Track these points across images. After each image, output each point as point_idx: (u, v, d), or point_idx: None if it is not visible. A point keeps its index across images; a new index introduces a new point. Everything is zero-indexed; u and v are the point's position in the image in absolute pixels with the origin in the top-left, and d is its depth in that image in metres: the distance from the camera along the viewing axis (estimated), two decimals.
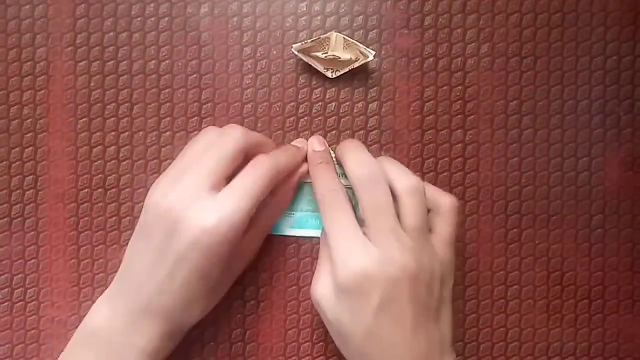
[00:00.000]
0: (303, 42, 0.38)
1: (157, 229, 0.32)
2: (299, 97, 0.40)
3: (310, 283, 0.39)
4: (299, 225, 0.39)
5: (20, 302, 0.39)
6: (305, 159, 0.38)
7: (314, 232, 0.39)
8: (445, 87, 0.40)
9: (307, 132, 0.40)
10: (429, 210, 0.35)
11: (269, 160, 0.34)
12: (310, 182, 0.37)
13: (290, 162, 0.36)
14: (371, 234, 0.32)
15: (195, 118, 0.40)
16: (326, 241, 0.34)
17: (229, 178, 0.33)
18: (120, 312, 0.33)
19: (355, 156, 0.34)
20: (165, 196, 0.32)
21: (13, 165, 0.39)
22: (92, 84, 0.40)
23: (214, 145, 0.33)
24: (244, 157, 0.34)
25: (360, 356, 0.33)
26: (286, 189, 0.37)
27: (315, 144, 0.37)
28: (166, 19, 0.40)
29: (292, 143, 0.38)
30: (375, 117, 0.40)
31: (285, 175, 0.36)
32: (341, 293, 0.32)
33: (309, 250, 0.39)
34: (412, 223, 0.33)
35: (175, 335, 0.35)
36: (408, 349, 0.32)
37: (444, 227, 0.34)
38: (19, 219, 0.39)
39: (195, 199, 0.32)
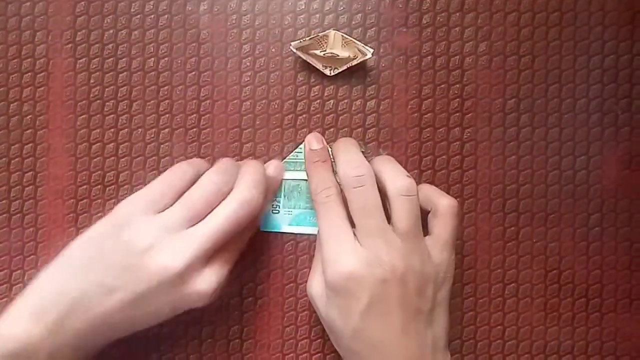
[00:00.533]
0: (301, 40, 0.38)
1: (125, 254, 0.33)
2: (298, 94, 0.40)
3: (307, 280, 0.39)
4: (296, 222, 0.39)
5: None
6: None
7: (312, 230, 0.39)
8: (443, 85, 0.40)
9: (305, 129, 0.40)
10: (428, 211, 0.35)
11: (239, 198, 0.34)
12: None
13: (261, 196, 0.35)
14: (360, 235, 0.33)
15: (194, 115, 0.40)
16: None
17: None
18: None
19: (345, 157, 0.34)
20: (130, 225, 0.33)
21: (12, 161, 0.40)
22: (91, 81, 0.40)
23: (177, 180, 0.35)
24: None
25: (351, 353, 0.33)
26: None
27: (312, 143, 0.37)
28: (165, 16, 0.40)
29: (266, 165, 0.38)
30: (374, 114, 0.40)
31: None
32: (331, 293, 0.33)
33: (307, 248, 0.40)
34: (403, 225, 0.33)
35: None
36: (397, 350, 0.32)
37: (442, 229, 0.34)
38: (18, 215, 0.40)
39: (162, 236, 0.32)
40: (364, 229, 0.33)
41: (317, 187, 0.35)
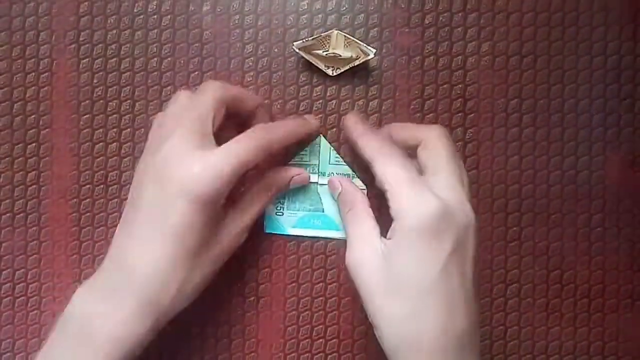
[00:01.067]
0: (304, 40, 0.38)
1: (146, 192, 0.32)
2: (300, 94, 0.40)
3: (311, 280, 0.39)
4: (301, 225, 0.39)
5: (22, 297, 0.40)
6: (307, 137, 0.38)
7: (316, 232, 0.39)
8: (445, 86, 0.40)
9: None
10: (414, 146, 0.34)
11: (262, 132, 0.33)
12: (314, 182, 0.39)
13: (287, 137, 0.35)
14: (436, 184, 0.32)
15: None
16: (360, 209, 0.34)
17: (215, 135, 0.33)
18: (95, 294, 0.32)
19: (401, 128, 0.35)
20: (152, 161, 0.32)
21: (16, 161, 0.40)
22: (94, 81, 0.40)
23: (190, 105, 0.33)
24: (228, 112, 0.34)
25: (416, 313, 0.30)
26: (276, 176, 0.37)
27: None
28: (168, 16, 0.40)
29: (304, 117, 0.38)
30: (376, 115, 0.40)
31: (280, 155, 0.36)
32: (412, 239, 0.30)
33: (309, 248, 0.40)
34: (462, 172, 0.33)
35: (149, 316, 0.31)
36: (467, 305, 0.31)
37: (447, 167, 0.33)
38: (22, 214, 0.40)
39: (182, 157, 0.31)
40: (451, 174, 0.32)
41: (375, 142, 0.34)
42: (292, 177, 0.38)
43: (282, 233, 0.39)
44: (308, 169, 0.39)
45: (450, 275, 0.30)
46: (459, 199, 0.31)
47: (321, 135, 0.39)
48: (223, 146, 0.32)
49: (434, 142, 0.33)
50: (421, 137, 0.33)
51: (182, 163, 0.31)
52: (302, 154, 0.39)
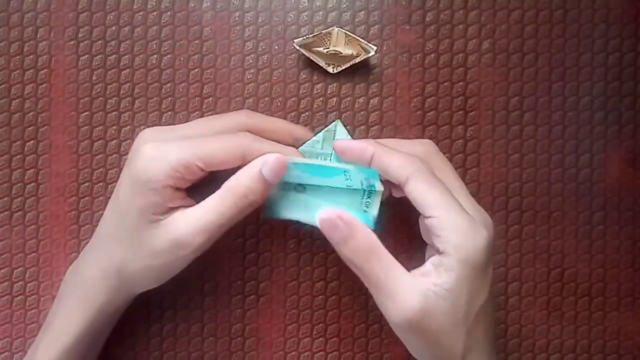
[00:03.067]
0: (305, 37, 0.38)
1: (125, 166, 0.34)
2: (301, 92, 0.40)
3: (311, 278, 0.39)
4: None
5: (20, 296, 0.39)
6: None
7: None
8: (446, 83, 0.40)
9: (308, 127, 0.39)
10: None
11: (248, 135, 0.33)
12: None
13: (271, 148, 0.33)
14: (465, 201, 0.32)
15: (197, 113, 0.40)
16: (382, 253, 0.30)
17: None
18: (82, 257, 0.36)
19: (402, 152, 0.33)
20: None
21: (14, 158, 0.39)
22: (94, 78, 0.40)
23: (214, 119, 0.34)
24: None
25: (462, 340, 0.30)
26: (241, 173, 0.33)
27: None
28: (168, 13, 0.40)
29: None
30: (377, 112, 0.40)
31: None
32: (470, 275, 0.30)
33: (310, 245, 0.39)
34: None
35: (112, 280, 0.33)
36: (489, 323, 0.32)
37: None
38: (20, 212, 0.39)
39: (144, 145, 0.32)
40: (463, 191, 0.32)
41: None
42: (259, 166, 0.32)
43: (277, 217, 0.35)
44: (320, 158, 0.36)
45: (489, 297, 0.31)
46: (483, 214, 0.32)
47: (338, 120, 0.37)
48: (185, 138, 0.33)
49: (436, 161, 0.33)
50: (404, 177, 0.31)
51: (145, 146, 0.32)
52: (315, 141, 0.36)
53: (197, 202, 0.32)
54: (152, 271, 0.33)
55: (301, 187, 0.35)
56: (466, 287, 0.30)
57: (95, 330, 0.34)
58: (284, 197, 0.35)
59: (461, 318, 0.30)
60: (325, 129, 0.37)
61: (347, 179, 0.34)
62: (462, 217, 0.30)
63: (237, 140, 0.32)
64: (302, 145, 0.36)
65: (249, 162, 0.32)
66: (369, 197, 0.34)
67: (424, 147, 0.34)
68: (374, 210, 0.34)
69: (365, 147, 0.32)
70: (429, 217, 0.30)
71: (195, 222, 0.31)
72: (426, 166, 0.32)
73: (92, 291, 0.34)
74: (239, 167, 0.32)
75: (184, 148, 0.31)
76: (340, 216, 0.31)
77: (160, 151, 0.31)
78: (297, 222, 0.35)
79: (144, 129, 0.34)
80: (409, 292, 0.30)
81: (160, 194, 0.31)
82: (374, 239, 0.31)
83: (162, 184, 0.31)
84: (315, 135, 0.37)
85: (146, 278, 0.34)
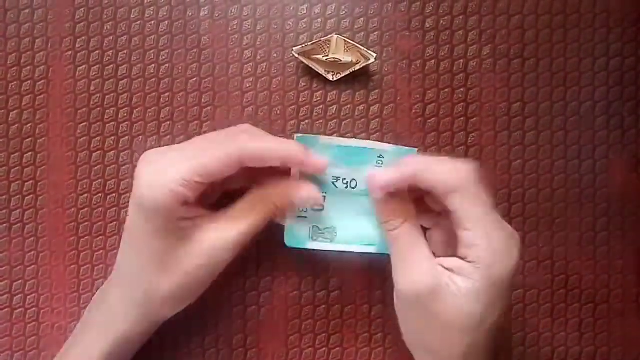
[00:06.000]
0: (304, 45, 0.38)
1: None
2: (300, 100, 0.39)
3: (313, 288, 0.39)
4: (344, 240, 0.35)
5: (20, 309, 0.39)
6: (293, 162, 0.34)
7: (345, 247, 0.35)
8: (447, 90, 0.39)
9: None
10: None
11: (241, 137, 0.32)
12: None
13: (268, 149, 0.32)
14: (495, 219, 0.31)
15: (196, 122, 0.39)
16: (413, 227, 0.32)
17: (214, 186, 0.32)
18: (106, 290, 0.35)
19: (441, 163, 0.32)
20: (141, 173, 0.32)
21: (12, 170, 0.39)
22: (91, 88, 0.39)
23: (211, 146, 0.32)
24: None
25: (473, 349, 0.31)
26: (275, 191, 0.33)
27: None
28: (166, 22, 0.39)
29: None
30: (377, 119, 0.39)
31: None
32: (492, 289, 0.30)
33: (311, 255, 0.39)
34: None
35: (135, 314, 0.33)
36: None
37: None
38: (19, 224, 0.39)
39: (147, 166, 0.32)
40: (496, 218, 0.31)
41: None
42: (297, 196, 0.33)
43: (301, 247, 0.35)
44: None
45: (504, 310, 0.31)
46: (517, 237, 0.32)
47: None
48: (183, 150, 0.32)
49: (467, 191, 0.31)
50: (450, 189, 0.31)
51: (143, 171, 0.31)
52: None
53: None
54: (184, 290, 0.33)
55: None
56: (485, 299, 0.30)
57: (116, 358, 0.34)
58: (305, 224, 0.35)
59: (471, 325, 0.30)
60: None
61: (379, 164, 0.34)
62: (500, 234, 0.30)
63: (230, 146, 0.31)
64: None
65: (249, 164, 0.32)
66: None
67: (460, 175, 0.31)
68: None
69: (404, 170, 0.32)
70: (465, 229, 0.30)
71: (224, 236, 0.32)
72: (476, 177, 0.31)
73: (113, 321, 0.33)
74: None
75: (178, 167, 0.31)
76: (383, 182, 0.32)
77: (156, 176, 0.31)
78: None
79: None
80: (426, 269, 0.31)
81: (171, 214, 0.31)
82: (410, 208, 0.33)
83: (169, 208, 0.31)
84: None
85: (177, 299, 0.33)
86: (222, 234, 0.32)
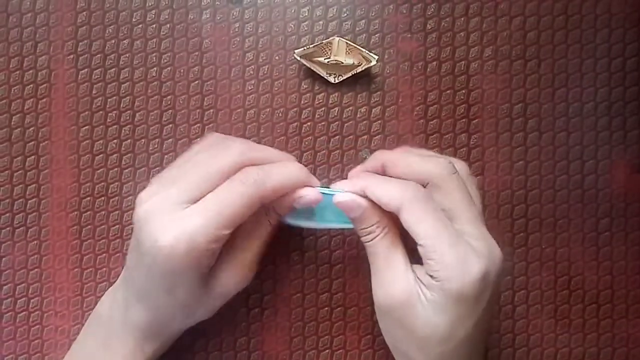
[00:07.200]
0: (305, 48, 0.38)
1: (134, 234, 0.31)
2: (302, 102, 0.39)
3: (316, 290, 0.39)
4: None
5: (24, 312, 0.39)
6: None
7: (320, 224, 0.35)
8: (448, 91, 0.39)
9: (310, 137, 0.39)
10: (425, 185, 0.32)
11: (254, 175, 0.30)
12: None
13: (284, 180, 0.32)
14: (469, 226, 0.31)
15: (198, 125, 0.39)
16: (391, 238, 0.32)
17: None
18: (118, 298, 0.34)
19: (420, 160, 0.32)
20: (140, 204, 0.30)
21: (15, 174, 0.39)
22: (94, 92, 0.39)
23: (209, 157, 0.31)
24: None
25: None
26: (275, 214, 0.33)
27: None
28: (168, 25, 0.39)
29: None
30: (379, 121, 0.39)
31: (279, 196, 0.32)
32: (454, 301, 0.29)
33: (313, 257, 0.39)
34: (478, 205, 0.32)
35: (161, 330, 0.34)
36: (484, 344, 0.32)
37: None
38: (22, 228, 0.39)
39: (164, 213, 0.29)
40: (473, 217, 0.31)
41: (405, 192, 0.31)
42: (295, 198, 0.32)
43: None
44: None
45: (481, 322, 0.31)
46: (488, 244, 0.31)
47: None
48: (205, 201, 0.30)
49: (447, 184, 0.31)
50: (426, 177, 0.31)
51: (155, 226, 0.29)
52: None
53: None
54: (194, 321, 0.35)
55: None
56: (448, 312, 0.30)
57: None
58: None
59: (438, 336, 0.30)
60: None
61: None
62: (453, 249, 0.29)
63: (249, 189, 0.30)
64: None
65: (268, 200, 0.31)
66: None
67: (437, 168, 0.31)
68: None
69: (356, 182, 0.32)
70: (420, 245, 0.30)
71: (240, 272, 0.33)
72: (422, 193, 0.30)
73: (117, 342, 0.33)
74: None
75: (204, 221, 0.29)
76: (356, 200, 0.32)
77: (181, 238, 0.29)
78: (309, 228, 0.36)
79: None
80: (400, 282, 0.31)
81: (196, 277, 0.31)
82: (384, 219, 0.32)
83: (194, 271, 0.30)
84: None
85: (184, 329, 0.35)
86: (238, 265, 0.33)
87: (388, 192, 0.31)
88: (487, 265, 0.30)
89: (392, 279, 0.31)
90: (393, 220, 0.32)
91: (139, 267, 0.31)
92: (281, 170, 0.32)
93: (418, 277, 0.31)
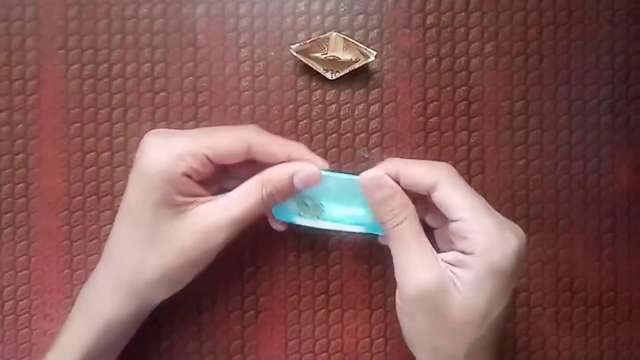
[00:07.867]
0: (302, 43, 0.37)
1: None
2: (298, 99, 0.38)
3: (312, 292, 0.38)
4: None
5: (12, 315, 0.38)
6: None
7: (333, 226, 0.34)
8: (448, 88, 0.39)
9: (306, 135, 0.38)
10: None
11: (254, 128, 0.33)
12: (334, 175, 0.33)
13: (282, 143, 0.33)
14: (489, 211, 0.31)
15: (192, 122, 0.38)
16: (416, 225, 0.31)
17: (216, 173, 0.32)
18: (95, 275, 0.33)
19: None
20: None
21: (3, 172, 0.38)
22: (84, 88, 0.38)
23: (222, 129, 0.33)
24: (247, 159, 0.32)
25: (478, 345, 0.31)
26: (273, 171, 0.33)
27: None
28: (160, 20, 0.38)
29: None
30: (377, 119, 0.38)
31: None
32: (494, 279, 0.29)
33: (310, 258, 0.38)
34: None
35: (125, 295, 0.32)
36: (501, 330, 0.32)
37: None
38: (10, 228, 0.38)
39: (159, 134, 0.32)
40: (487, 206, 0.31)
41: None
42: (292, 172, 0.32)
43: (289, 222, 0.35)
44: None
45: (508, 308, 0.31)
46: (514, 225, 0.31)
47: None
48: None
49: (452, 181, 0.31)
50: (432, 182, 0.31)
51: (150, 141, 0.32)
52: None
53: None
54: (172, 272, 0.32)
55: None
56: (488, 289, 0.30)
57: (104, 345, 0.33)
58: (293, 199, 0.34)
59: (476, 319, 0.30)
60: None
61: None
62: (493, 220, 0.30)
63: (242, 131, 0.32)
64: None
65: (257, 155, 0.32)
66: None
67: (442, 169, 0.32)
68: None
69: (389, 167, 0.32)
70: (457, 220, 0.30)
71: (221, 215, 0.31)
72: (454, 171, 0.32)
73: (100, 305, 0.32)
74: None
75: (190, 138, 0.31)
76: (384, 176, 0.32)
77: (167, 142, 0.31)
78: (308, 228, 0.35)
79: (135, 139, 0.33)
80: (431, 265, 0.30)
81: (173, 184, 0.31)
82: (409, 206, 0.32)
83: (173, 173, 0.30)
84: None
85: (164, 283, 0.32)
86: (217, 215, 0.31)
87: (421, 169, 0.31)
88: (520, 242, 0.30)
89: (422, 265, 0.30)
90: (413, 210, 0.32)
91: (131, 189, 0.32)
92: (284, 141, 0.33)
93: (448, 262, 0.31)
